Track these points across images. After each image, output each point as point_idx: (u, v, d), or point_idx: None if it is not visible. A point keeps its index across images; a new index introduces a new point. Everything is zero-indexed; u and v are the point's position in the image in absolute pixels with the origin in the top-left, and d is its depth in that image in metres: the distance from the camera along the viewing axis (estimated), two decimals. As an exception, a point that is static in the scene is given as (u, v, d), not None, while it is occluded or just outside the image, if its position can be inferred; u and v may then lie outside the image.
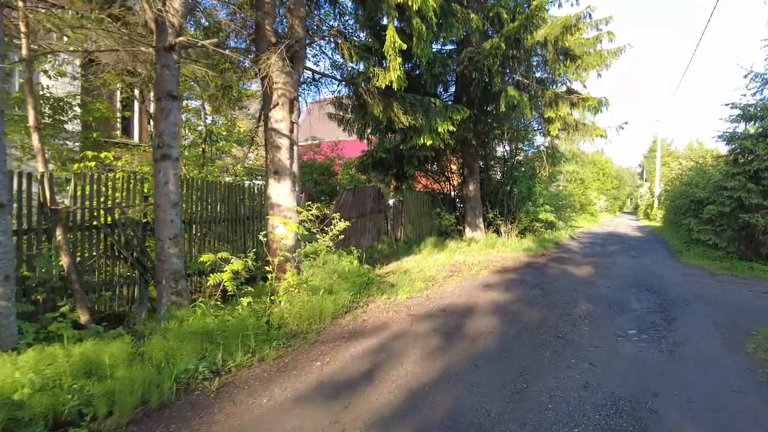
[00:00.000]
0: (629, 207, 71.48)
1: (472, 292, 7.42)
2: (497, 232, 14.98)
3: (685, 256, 11.84)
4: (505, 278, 8.76)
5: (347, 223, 6.80)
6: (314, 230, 6.67)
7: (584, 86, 13.32)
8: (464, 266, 10.03)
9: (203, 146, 9.24)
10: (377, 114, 8.56)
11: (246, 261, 4.84)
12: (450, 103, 11.54)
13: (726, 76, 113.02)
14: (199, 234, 7.28)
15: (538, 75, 13.28)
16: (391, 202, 12.85)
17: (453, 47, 13.05)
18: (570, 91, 12.30)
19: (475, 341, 4.80)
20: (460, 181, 15.07)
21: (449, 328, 5.25)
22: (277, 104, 6.31)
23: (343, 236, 7.31)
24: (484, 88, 11.07)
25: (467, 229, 13.97)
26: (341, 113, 12.14)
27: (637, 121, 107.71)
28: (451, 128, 8.94)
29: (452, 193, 16.07)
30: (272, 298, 5.37)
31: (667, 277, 8.97)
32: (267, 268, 5.96)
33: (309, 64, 9.19)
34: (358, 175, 16.57)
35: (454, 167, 15.86)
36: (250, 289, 5.13)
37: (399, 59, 6.67)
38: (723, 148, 13.58)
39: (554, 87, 12.74)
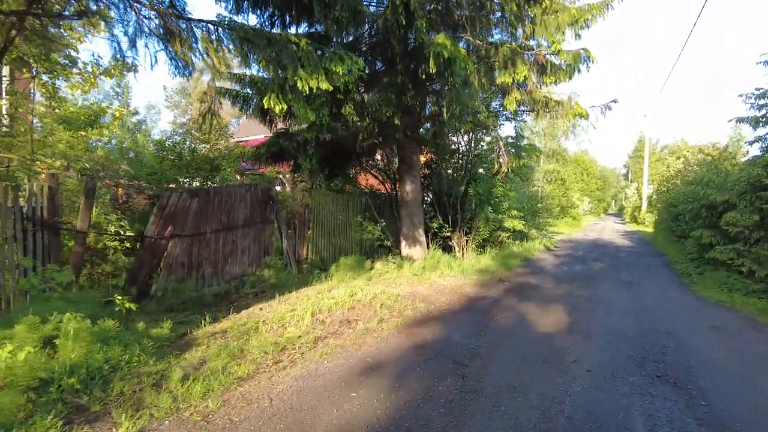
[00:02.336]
0: (614, 209, 69.07)
1: (316, 398, 3.69)
2: (446, 247, 11.34)
3: (699, 285, 8.29)
4: (414, 343, 5.06)
5: None
6: None
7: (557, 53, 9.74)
8: (367, 310, 6.36)
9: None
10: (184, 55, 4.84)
11: None
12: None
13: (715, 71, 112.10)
14: None
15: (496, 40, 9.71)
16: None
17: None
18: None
19: None
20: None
21: None
22: None
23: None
24: (405, 38, 7.42)
25: (403, 244, 10.30)
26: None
27: (623, 119, 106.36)
28: (325, 86, 5.23)
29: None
30: None
31: (690, 337, 5.36)
32: None
33: None
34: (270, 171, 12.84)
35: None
36: None
37: None
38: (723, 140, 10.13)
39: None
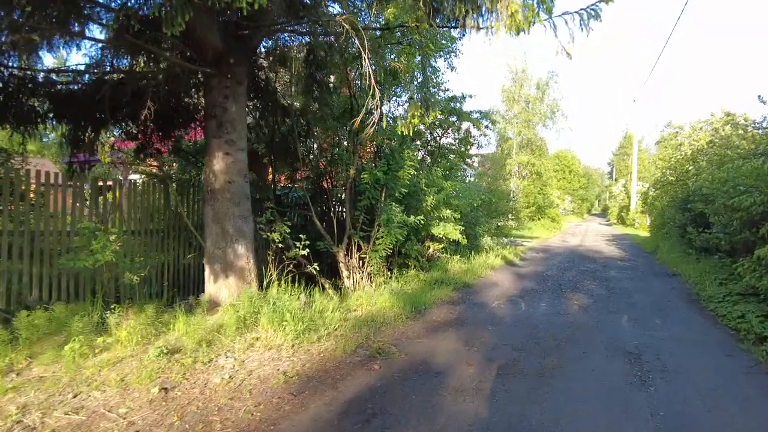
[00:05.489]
0: (598, 209, 65.55)
1: None
2: (330, 271, 6.46)
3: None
4: None
5: None
6: None
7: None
8: None
9: None
10: None
11: None
12: None
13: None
14: None
15: None
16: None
17: None
18: None
19: None
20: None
21: None
22: None
23: None
24: None
25: (207, 274, 5.40)
26: None
27: (607, 117, 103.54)
28: None
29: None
30: None
31: None
32: None
33: None
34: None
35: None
36: None
37: None
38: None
39: None
